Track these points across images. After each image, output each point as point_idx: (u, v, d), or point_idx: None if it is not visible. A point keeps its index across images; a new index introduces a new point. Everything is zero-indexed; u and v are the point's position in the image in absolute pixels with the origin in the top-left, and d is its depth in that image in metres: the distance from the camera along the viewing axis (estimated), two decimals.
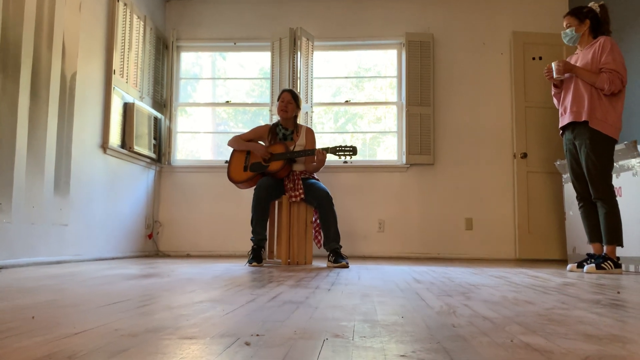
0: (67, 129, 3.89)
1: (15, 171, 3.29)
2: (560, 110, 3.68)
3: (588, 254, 3.59)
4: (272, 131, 4.07)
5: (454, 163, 5.50)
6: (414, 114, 5.45)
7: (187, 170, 5.67)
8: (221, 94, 5.94)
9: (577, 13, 3.63)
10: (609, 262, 3.40)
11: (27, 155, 3.41)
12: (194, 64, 5.98)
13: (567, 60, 3.78)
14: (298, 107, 4.06)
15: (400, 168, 5.51)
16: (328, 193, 3.77)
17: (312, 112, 5.57)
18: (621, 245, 3.45)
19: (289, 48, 5.42)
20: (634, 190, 3.62)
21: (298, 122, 4.15)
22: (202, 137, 5.97)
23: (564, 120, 3.63)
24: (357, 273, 3.00)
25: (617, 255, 3.57)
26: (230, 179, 3.99)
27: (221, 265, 3.67)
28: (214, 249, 5.55)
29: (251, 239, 3.79)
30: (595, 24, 3.60)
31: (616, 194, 3.58)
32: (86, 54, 4.20)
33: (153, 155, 5.30)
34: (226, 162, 5.67)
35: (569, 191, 4.53)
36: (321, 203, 3.73)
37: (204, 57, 5.99)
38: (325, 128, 5.82)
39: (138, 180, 5.15)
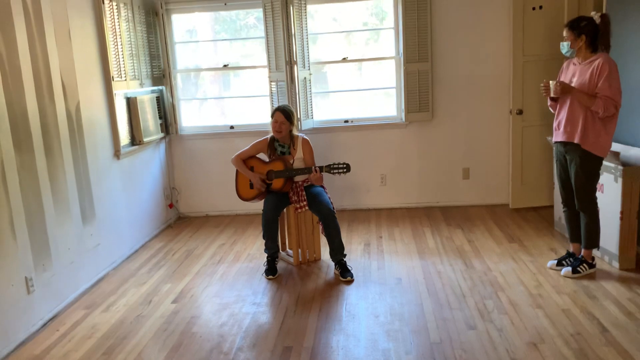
0: (81, 160, 4.13)
1: (47, 230, 3.65)
2: (555, 124, 3.82)
3: (568, 252, 4.02)
4: (270, 146, 4.26)
5: (452, 118, 5.64)
6: (412, 71, 5.46)
7: (195, 137, 5.90)
8: (220, 56, 5.91)
9: (574, 27, 3.58)
10: (584, 264, 3.84)
11: (54, 208, 3.73)
12: (188, 30, 5.86)
13: (565, 66, 3.81)
14: (292, 124, 4.19)
15: (400, 125, 5.68)
16: (330, 208, 4.09)
17: (310, 74, 5.60)
18: (597, 248, 3.86)
19: (281, 11, 5.28)
20: (614, 192, 3.90)
21: (294, 134, 4.28)
22: (207, 102, 6.08)
23: (557, 136, 3.79)
24: (367, 329, 3.48)
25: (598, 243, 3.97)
26: (239, 196, 4.30)
27: (235, 291, 4.11)
28: (230, 208, 6.01)
29: (265, 251, 4.24)
30: (593, 38, 3.57)
31: (598, 189, 3.88)
32: (84, 77, 4.23)
33: (161, 135, 5.50)
34: (231, 127, 5.90)
35: None
36: (324, 218, 4.08)
37: (196, 21, 5.84)
38: (323, 88, 5.87)
39: (151, 161, 5.43)
